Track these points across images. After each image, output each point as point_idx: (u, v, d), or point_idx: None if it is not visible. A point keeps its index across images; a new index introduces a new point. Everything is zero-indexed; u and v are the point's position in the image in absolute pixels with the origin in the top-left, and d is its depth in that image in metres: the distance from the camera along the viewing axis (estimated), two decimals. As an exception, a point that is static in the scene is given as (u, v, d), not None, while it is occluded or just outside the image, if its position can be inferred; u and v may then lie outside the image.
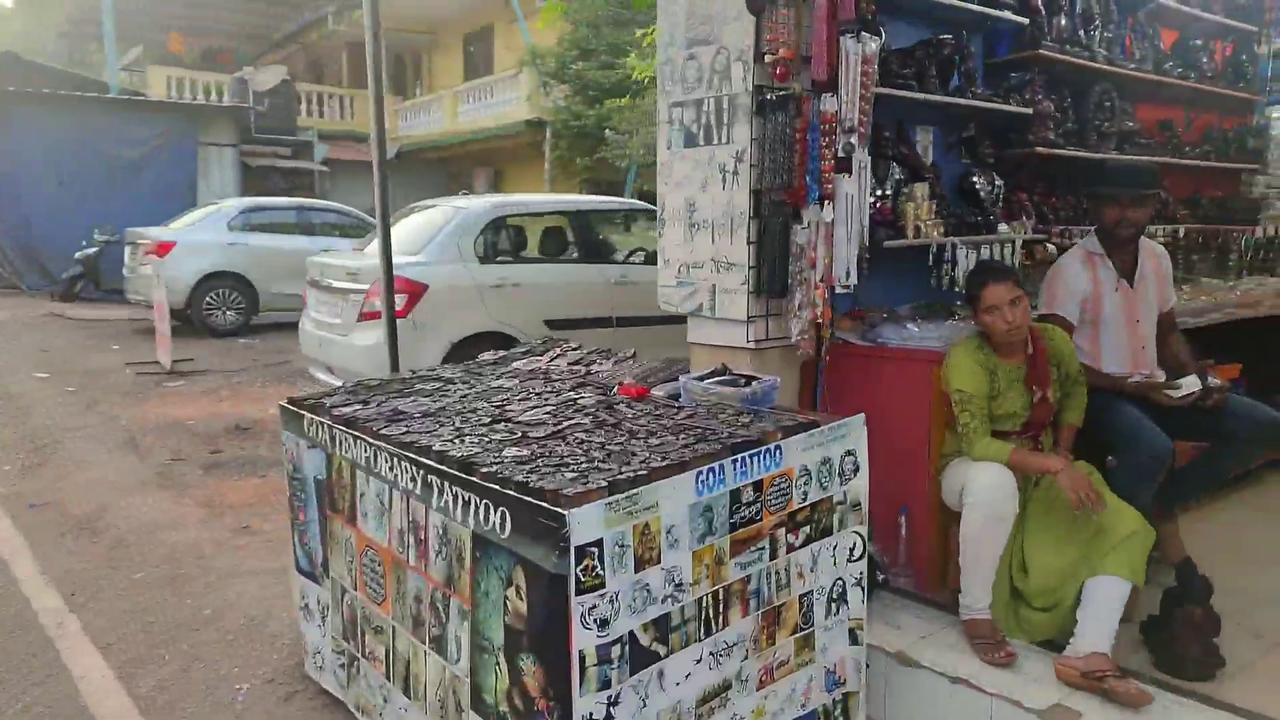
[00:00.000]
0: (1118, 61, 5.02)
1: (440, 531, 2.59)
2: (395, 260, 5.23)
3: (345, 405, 3.33)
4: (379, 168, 5.04)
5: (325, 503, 3.26)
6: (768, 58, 3.41)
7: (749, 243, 3.55)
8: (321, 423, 3.23)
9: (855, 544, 2.95)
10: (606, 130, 16.30)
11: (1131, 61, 5.17)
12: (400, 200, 7.37)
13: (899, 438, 3.53)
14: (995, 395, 3.31)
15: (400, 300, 5.78)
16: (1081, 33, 4.86)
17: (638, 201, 9.08)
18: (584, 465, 2.44)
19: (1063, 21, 4.76)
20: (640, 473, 2.34)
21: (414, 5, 21.77)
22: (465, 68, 23.85)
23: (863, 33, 3.42)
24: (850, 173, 3.42)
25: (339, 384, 4.37)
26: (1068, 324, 3.70)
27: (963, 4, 4.12)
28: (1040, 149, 4.53)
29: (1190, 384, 3.57)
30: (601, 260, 7.58)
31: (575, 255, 7.53)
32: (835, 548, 2.89)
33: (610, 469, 2.40)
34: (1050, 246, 4.51)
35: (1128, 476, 3.47)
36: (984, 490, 3.11)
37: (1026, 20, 4.47)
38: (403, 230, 6.76)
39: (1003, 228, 4.23)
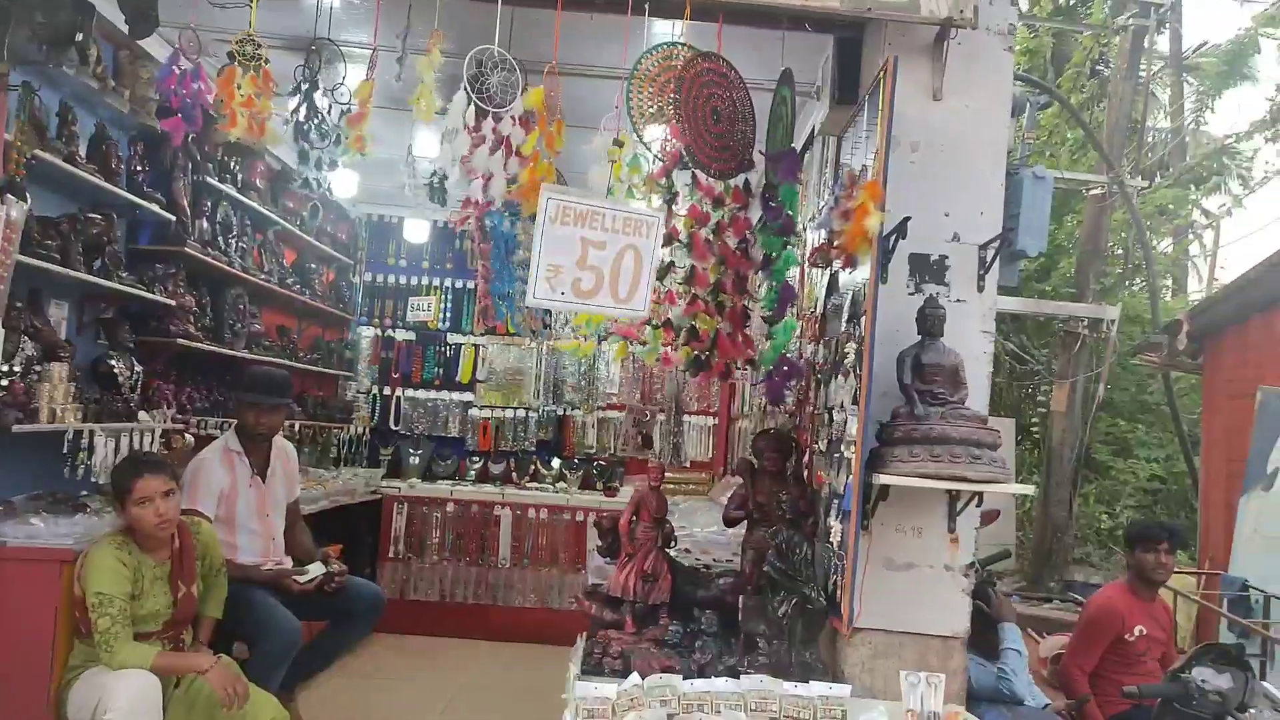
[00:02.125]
0: (251, 270, 5.51)
1: None
2: None
3: None
4: None
5: None
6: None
7: None
8: None
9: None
10: None
11: (262, 272, 5.74)
12: None
13: (14, 654, 3.04)
14: (138, 595, 3.15)
15: None
16: (221, 239, 5.23)
17: None
18: None
19: (205, 224, 5.06)
20: None
21: None
22: None
23: (8, 195, 3.11)
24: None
25: None
26: (206, 519, 3.79)
27: (111, 187, 4.07)
28: (181, 340, 4.63)
29: (315, 569, 3.99)
30: None
31: None
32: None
33: None
34: (189, 437, 4.56)
35: (265, 663, 3.64)
36: (127, 702, 2.89)
37: (173, 217, 4.62)
38: None
39: (143, 415, 4.14)
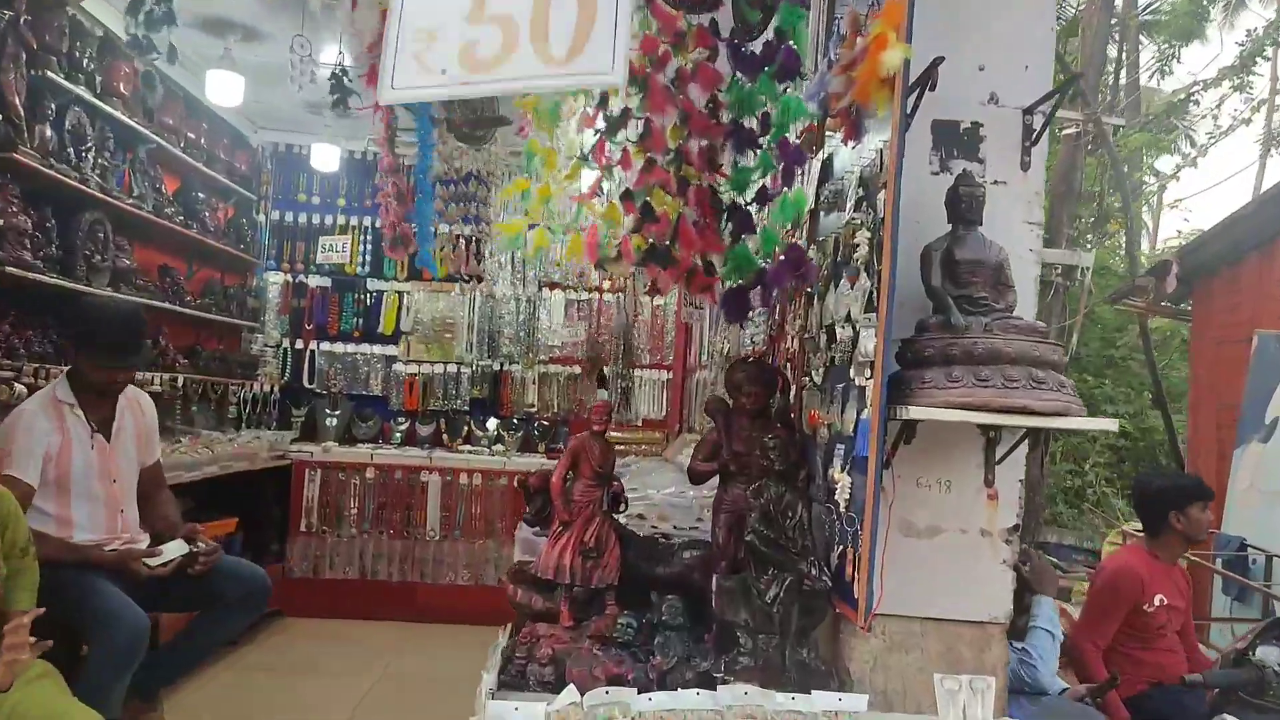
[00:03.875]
0: (114, 193, 4.59)
1: None
2: None
3: None
4: None
5: None
6: None
7: None
8: None
9: None
10: None
11: (130, 197, 4.82)
12: None
13: None
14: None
15: None
16: (72, 151, 4.30)
17: None
18: None
19: (48, 132, 4.12)
20: None
21: None
22: None
23: None
24: None
25: None
26: (26, 486, 2.95)
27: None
28: (11, 268, 3.73)
29: (174, 549, 3.19)
30: None
31: None
32: None
33: None
34: (20, 386, 3.68)
35: (102, 667, 2.86)
36: None
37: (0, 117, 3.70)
38: None
39: (-53, 359, 3.25)
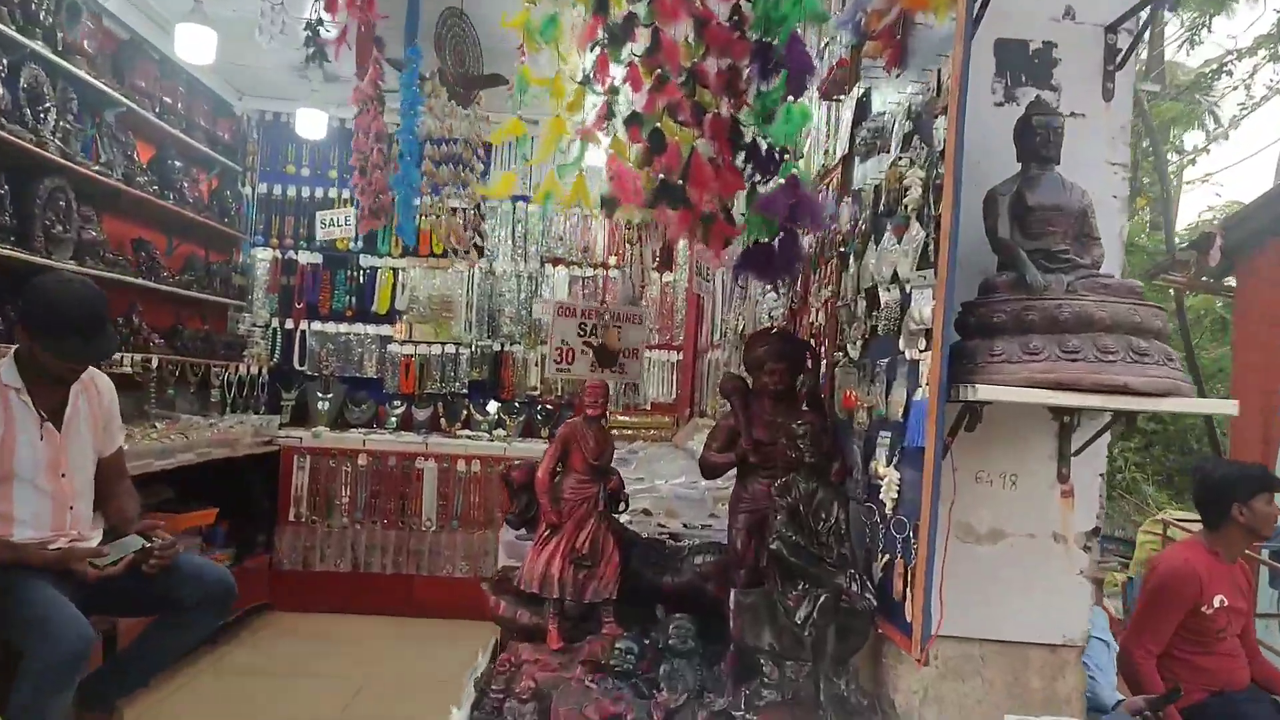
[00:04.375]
0: (78, 159, 4.23)
1: None
2: None
3: None
4: None
5: None
6: None
7: None
8: None
9: None
10: None
11: (97, 163, 4.46)
12: None
13: None
14: None
15: None
16: (28, 111, 3.94)
17: None
18: None
19: (1, 90, 3.77)
20: None
21: None
22: None
23: None
24: None
25: None
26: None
27: None
28: (-46, 238, 3.38)
29: (126, 546, 2.85)
30: None
31: None
32: None
33: None
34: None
35: (42, 680, 2.53)
36: None
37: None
38: None
39: None
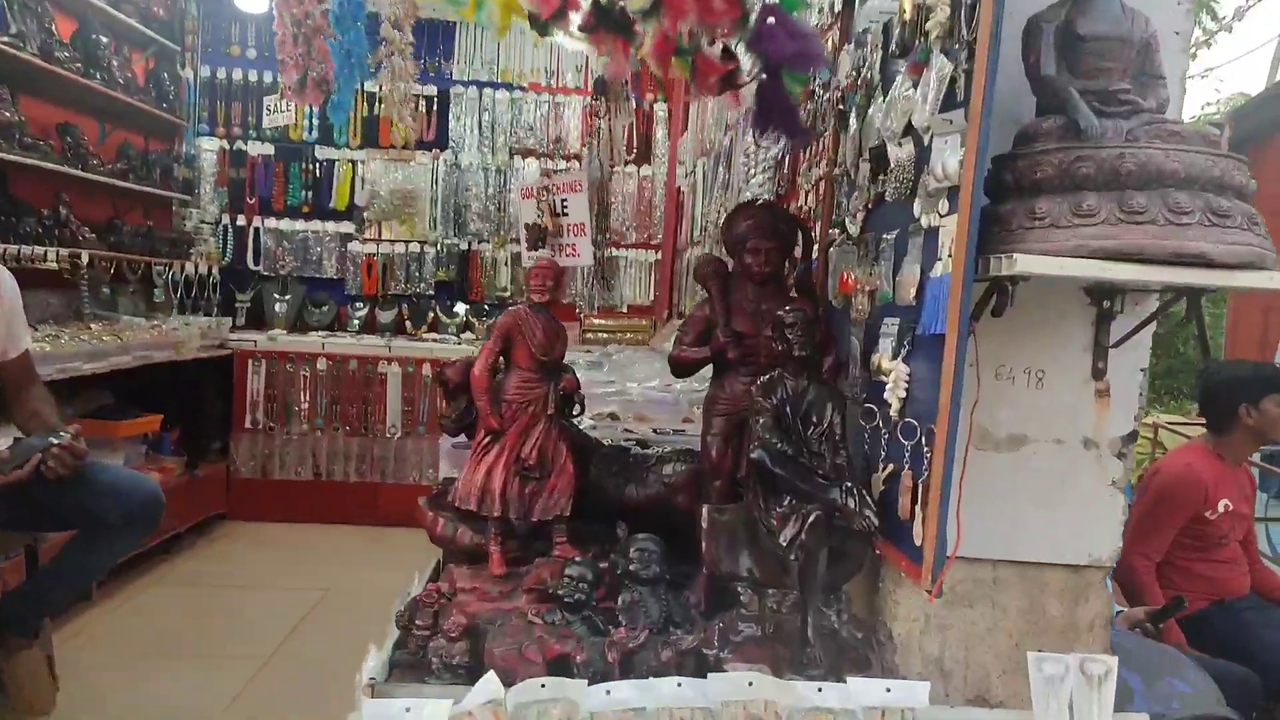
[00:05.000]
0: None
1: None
2: None
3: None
4: None
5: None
6: None
7: None
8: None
9: None
10: None
11: (6, 34, 3.97)
12: None
13: None
14: None
15: None
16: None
17: None
18: None
19: (-124, -60, 3.28)
20: None
21: None
22: None
23: None
24: None
25: None
26: None
27: None
28: None
29: (30, 447, 2.54)
30: None
31: None
32: None
33: None
34: None
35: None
36: None
37: None
38: None
39: None
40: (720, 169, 4.37)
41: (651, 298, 6.29)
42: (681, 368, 1.71)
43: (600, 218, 4.67)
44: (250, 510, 5.27)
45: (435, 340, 5.74)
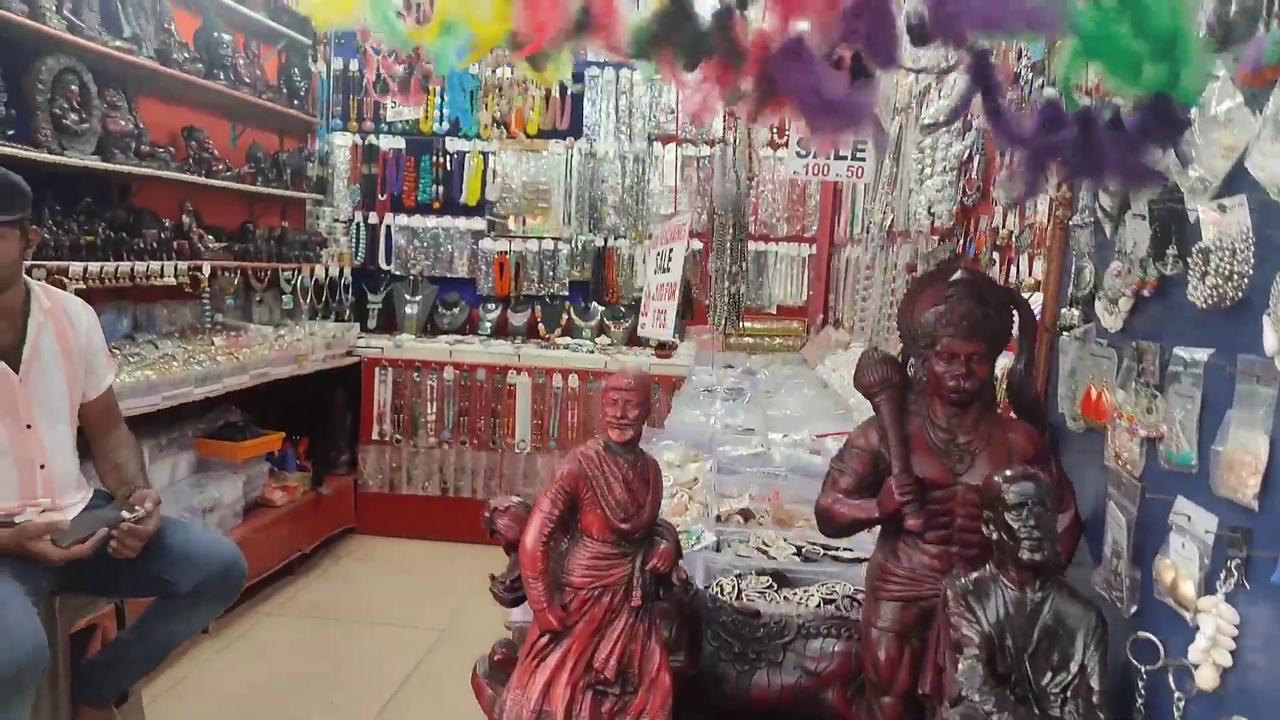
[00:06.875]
0: (88, 33, 3.58)
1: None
2: None
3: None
4: None
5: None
6: None
7: None
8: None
9: None
10: None
11: (121, 38, 3.81)
12: None
13: None
14: None
15: None
16: (21, -23, 3.29)
17: None
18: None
19: (-23, -51, 3.11)
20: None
21: None
22: None
23: None
24: None
25: None
26: None
27: None
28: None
29: (97, 520, 2.28)
30: None
31: None
32: None
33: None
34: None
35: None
36: None
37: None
38: None
39: None
40: (887, 161, 3.70)
41: (805, 298, 5.66)
42: (834, 526, 1.16)
43: (735, 227, 4.09)
44: (378, 525, 5.08)
45: (567, 349, 5.34)
